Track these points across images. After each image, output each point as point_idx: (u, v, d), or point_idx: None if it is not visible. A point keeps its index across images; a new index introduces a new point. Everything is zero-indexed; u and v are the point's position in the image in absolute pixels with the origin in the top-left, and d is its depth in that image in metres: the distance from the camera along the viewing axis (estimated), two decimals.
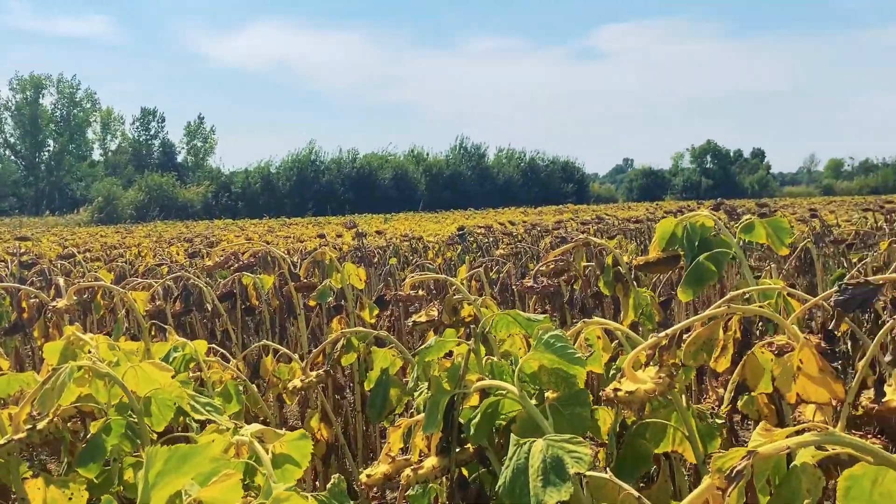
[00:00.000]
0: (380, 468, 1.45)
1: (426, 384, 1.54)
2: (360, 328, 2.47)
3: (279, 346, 2.37)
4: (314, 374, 2.02)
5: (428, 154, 63.81)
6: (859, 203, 17.56)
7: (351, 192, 55.60)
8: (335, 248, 7.25)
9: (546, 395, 1.41)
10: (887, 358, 1.25)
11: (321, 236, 9.63)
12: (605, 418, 1.59)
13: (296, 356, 2.31)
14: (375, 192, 55.92)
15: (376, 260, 7.31)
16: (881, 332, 1.22)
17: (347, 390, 3.16)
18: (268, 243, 6.56)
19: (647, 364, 1.37)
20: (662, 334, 1.32)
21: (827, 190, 63.84)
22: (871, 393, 1.28)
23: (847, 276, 2.91)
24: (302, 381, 2.01)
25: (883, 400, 1.20)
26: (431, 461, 1.37)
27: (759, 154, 72.74)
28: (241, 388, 1.97)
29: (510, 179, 62.77)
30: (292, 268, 3.32)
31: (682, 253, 1.84)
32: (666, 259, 1.90)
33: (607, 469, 1.18)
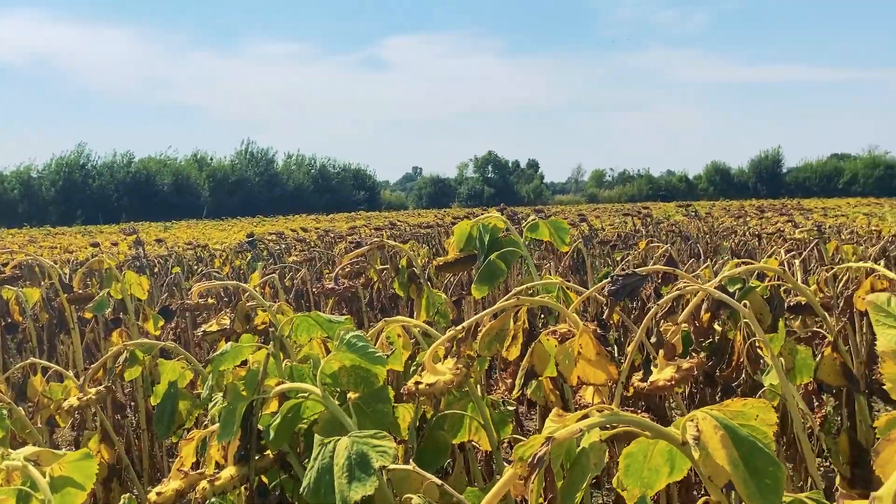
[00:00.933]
0: (171, 484, 1.36)
1: (221, 394, 1.48)
2: (145, 340, 2.30)
3: (50, 364, 2.14)
4: (94, 390, 1.85)
5: (212, 159, 61.13)
6: (619, 209, 19.44)
7: (126, 199, 51.81)
8: (112, 258, 6.70)
9: (348, 395, 1.41)
10: (652, 340, 1.40)
11: (95, 245, 8.85)
12: (405, 415, 1.63)
13: (70, 374, 2.11)
14: (154, 198, 52.59)
15: (157, 270, 6.88)
16: (646, 317, 1.37)
17: (129, 409, 2.93)
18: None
19: (445, 357, 1.42)
20: (459, 327, 1.37)
21: (592, 198, 69.90)
22: (640, 374, 1.43)
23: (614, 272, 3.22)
24: (80, 398, 1.83)
25: (650, 379, 1.34)
26: (229, 471, 1.31)
27: (533, 165, 78.00)
28: (4, 412, 1.76)
29: (300, 186, 61.92)
30: (63, 278, 3.02)
31: (477, 253, 1.94)
32: (464, 258, 1.99)
33: (410, 461, 1.21)
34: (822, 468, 2.85)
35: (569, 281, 3.53)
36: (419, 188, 75.15)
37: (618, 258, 5.48)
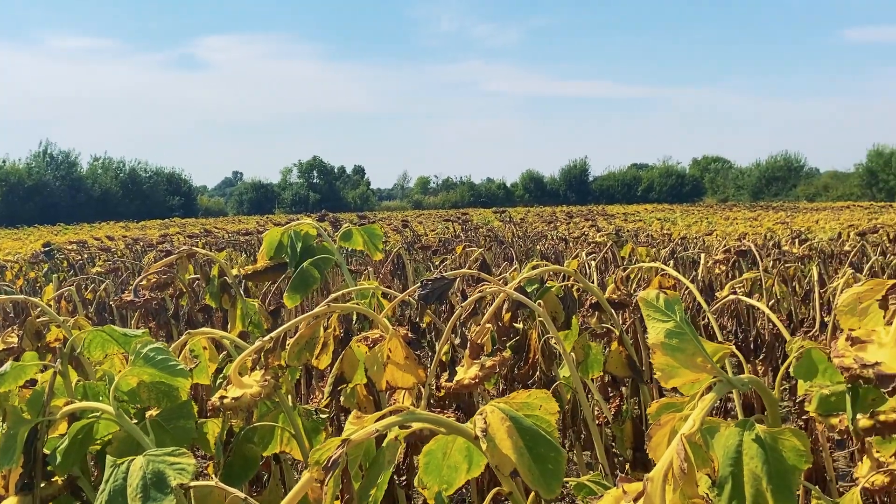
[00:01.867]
0: None
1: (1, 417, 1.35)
2: None
3: None
4: None
5: (4, 162, 55.43)
6: (442, 215, 19.98)
7: None
8: None
9: (149, 412, 1.34)
10: (457, 341, 1.45)
11: None
12: (214, 430, 1.57)
13: None
14: None
15: None
16: (453, 317, 1.42)
17: None
18: None
19: (253, 368, 1.38)
20: (267, 338, 1.35)
21: (417, 204, 71.17)
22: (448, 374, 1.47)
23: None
24: None
25: (456, 378, 1.39)
26: (10, 502, 1.20)
27: (360, 171, 78.01)
28: None
29: (108, 191, 57.69)
30: None
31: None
32: (273, 267, 1.95)
33: (216, 477, 1.17)
34: None
35: (390, 286, 3.57)
36: (240, 194, 72.62)
37: (437, 262, 5.62)
